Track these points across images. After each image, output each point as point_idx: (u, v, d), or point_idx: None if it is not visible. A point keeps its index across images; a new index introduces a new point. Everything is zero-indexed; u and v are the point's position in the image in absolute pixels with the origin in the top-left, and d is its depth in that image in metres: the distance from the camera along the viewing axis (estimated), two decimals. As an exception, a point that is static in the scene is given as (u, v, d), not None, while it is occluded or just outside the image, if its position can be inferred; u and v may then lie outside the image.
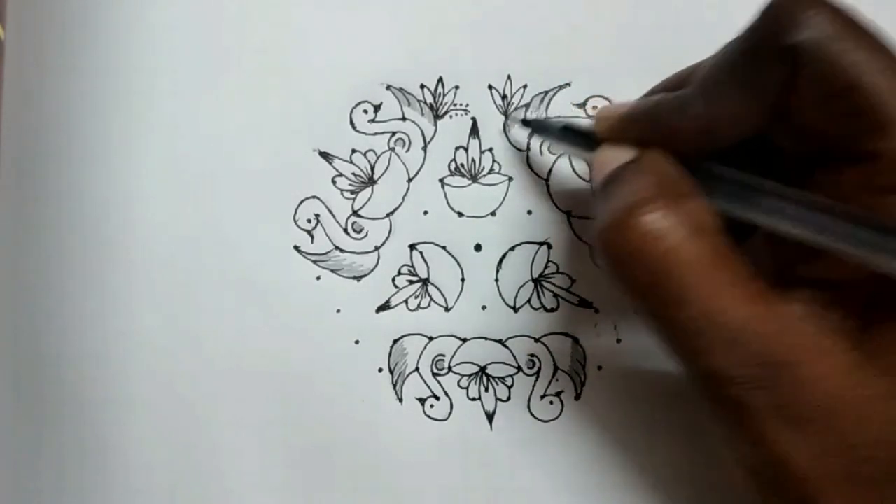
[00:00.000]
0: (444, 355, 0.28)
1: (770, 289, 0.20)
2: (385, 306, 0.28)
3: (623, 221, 0.20)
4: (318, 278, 0.28)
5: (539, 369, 0.28)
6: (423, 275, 0.28)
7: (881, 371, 0.19)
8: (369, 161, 0.28)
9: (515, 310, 0.28)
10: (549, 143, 0.28)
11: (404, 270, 0.28)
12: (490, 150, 0.28)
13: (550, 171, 0.28)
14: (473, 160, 0.28)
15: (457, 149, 0.28)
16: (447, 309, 0.28)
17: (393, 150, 0.28)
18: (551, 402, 0.28)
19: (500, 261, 0.28)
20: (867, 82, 0.18)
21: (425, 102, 0.28)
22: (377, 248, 0.28)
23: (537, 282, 0.28)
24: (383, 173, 0.28)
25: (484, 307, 0.28)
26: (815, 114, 0.19)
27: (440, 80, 0.28)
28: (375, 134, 0.28)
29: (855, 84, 0.18)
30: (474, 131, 0.28)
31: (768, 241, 0.21)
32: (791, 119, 0.20)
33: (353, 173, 0.28)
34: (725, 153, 0.21)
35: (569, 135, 0.25)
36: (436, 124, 0.28)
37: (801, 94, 0.19)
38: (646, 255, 0.19)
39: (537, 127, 0.27)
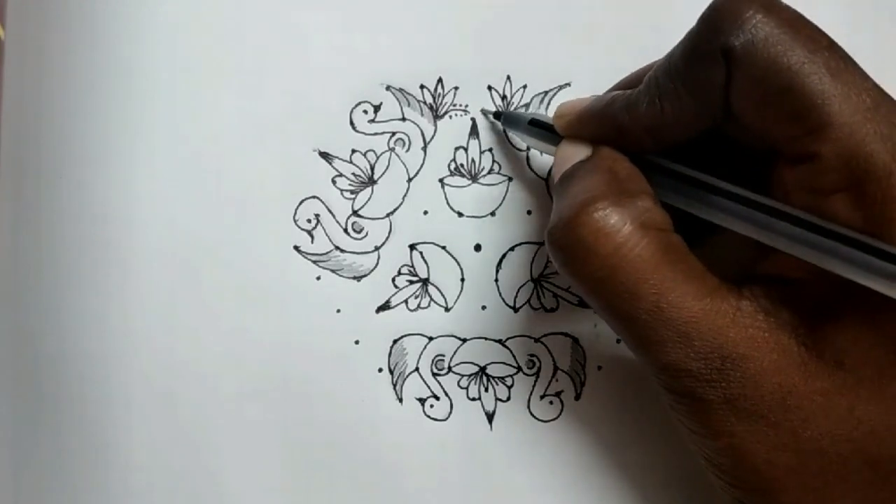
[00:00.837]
0: (443, 355, 0.28)
1: (722, 284, 0.20)
2: (385, 306, 0.28)
3: (574, 219, 0.20)
4: (318, 278, 0.28)
5: (539, 369, 0.28)
6: (423, 275, 0.28)
7: (831, 367, 0.19)
8: (369, 161, 0.28)
9: (515, 310, 0.28)
10: (519, 136, 0.28)
11: (404, 270, 0.28)
12: (490, 150, 0.28)
13: (550, 171, 0.28)
14: (473, 160, 0.28)
15: (456, 149, 0.28)
16: (447, 309, 0.28)
17: (393, 150, 0.28)
18: (551, 402, 0.28)
19: (500, 261, 0.28)
20: (803, 85, 0.18)
21: (425, 103, 0.28)
22: (377, 248, 0.28)
23: (537, 282, 0.28)
24: (383, 173, 0.28)
25: (484, 307, 0.28)
26: (754, 116, 0.19)
27: (440, 80, 0.28)
28: (375, 134, 0.28)
29: (790, 87, 0.18)
30: (474, 131, 0.28)
31: (733, 236, 0.22)
32: (734, 120, 0.20)
33: (353, 173, 0.28)
34: (685, 149, 0.22)
35: (536, 128, 0.25)
36: (435, 124, 0.28)
37: (740, 96, 0.19)
38: (597, 251, 0.20)
39: (508, 119, 0.27)
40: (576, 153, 0.23)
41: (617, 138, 0.22)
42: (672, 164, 0.22)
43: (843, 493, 0.19)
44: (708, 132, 0.21)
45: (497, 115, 0.27)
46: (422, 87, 0.28)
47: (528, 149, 0.28)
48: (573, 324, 0.28)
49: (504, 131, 0.28)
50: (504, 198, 0.28)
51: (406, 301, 0.28)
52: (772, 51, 0.19)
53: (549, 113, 0.28)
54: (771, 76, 0.19)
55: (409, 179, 0.28)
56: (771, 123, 0.19)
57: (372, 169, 0.28)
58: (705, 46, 0.19)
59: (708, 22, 0.20)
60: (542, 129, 0.25)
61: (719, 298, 0.20)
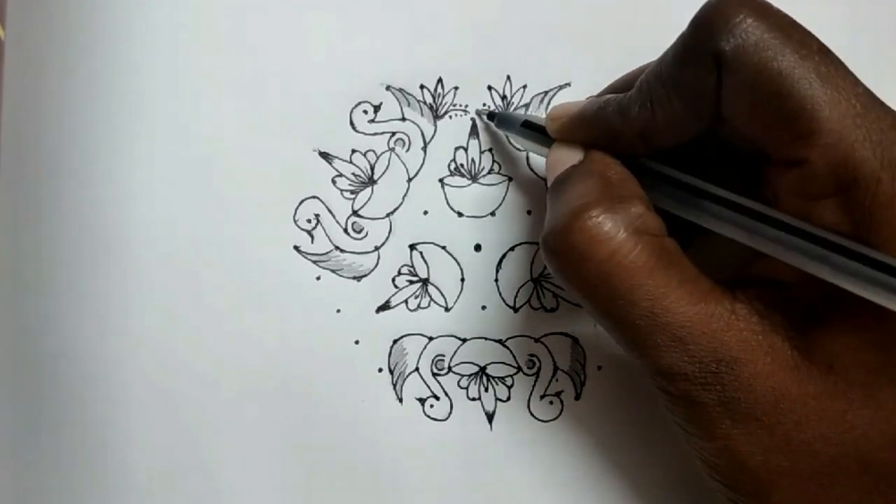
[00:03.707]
0: (443, 355, 0.28)
1: (715, 287, 0.20)
2: (385, 306, 0.28)
3: (568, 225, 0.20)
4: (318, 278, 0.28)
5: (539, 369, 0.28)
6: (423, 275, 0.28)
7: (823, 370, 0.19)
8: (369, 161, 0.28)
9: (515, 310, 0.28)
10: (512, 138, 0.27)
11: (404, 270, 0.28)
12: (490, 150, 0.28)
13: (550, 171, 0.28)
14: (473, 160, 0.28)
15: (456, 149, 0.28)
16: (447, 309, 0.28)
17: (393, 150, 0.28)
18: (551, 402, 0.28)
19: (500, 261, 0.28)
20: (792, 90, 0.18)
21: (425, 103, 0.28)
22: (377, 248, 0.28)
23: (537, 282, 0.28)
24: (383, 173, 0.28)
25: (484, 307, 0.28)
26: (744, 120, 0.19)
27: (440, 80, 0.28)
28: (375, 134, 0.28)
29: (780, 92, 0.18)
30: (474, 131, 0.28)
31: (707, 239, 0.22)
32: (725, 125, 0.20)
33: (353, 173, 0.28)
34: (676, 152, 0.22)
35: (529, 130, 0.25)
36: (435, 124, 0.28)
37: (730, 100, 0.19)
38: (591, 257, 0.20)
39: (501, 120, 0.27)
40: (568, 157, 0.23)
41: (609, 142, 0.22)
42: (663, 168, 0.22)
43: (835, 495, 0.19)
44: (699, 136, 0.21)
45: (491, 115, 0.27)
46: (422, 87, 0.28)
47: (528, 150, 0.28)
48: (573, 324, 0.28)
49: (477, 115, 0.28)
50: (504, 198, 0.28)
51: (406, 301, 0.28)
52: (762, 55, 0.18)
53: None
54: (761, 81, 0.19)
55: (409, 179, 0.28)
56: (760, 128, 0.19)
57: (372, 169, 0.28)
58: (696, 50, 0.19)
59: (698, 26, 0.20)
60: (535, 132, 0.25)
61: (713, 302, 0.20)
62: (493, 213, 0.28)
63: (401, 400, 0.28)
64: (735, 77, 0.19)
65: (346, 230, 0.28)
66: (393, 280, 0.28)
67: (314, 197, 0.28)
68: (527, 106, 0.28)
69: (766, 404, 0.19)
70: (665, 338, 0.20)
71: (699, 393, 0.20)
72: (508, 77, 0.28)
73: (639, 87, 0.21)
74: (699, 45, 0.19)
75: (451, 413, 0.28)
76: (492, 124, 0.27)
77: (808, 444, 0.19)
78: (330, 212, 0.28)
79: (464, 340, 0.28)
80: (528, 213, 0.28)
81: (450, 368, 0.28)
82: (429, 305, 0.28)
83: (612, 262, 0.20)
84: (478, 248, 0.28)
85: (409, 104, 0.28)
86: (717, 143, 0.22)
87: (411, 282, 0.28)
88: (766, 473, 0.19)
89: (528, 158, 0.28)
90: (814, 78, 0.18)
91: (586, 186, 0.21)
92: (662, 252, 0.20)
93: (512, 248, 0.28)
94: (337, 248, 0.28)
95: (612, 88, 0.25)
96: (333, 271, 0.28)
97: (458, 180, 0.28)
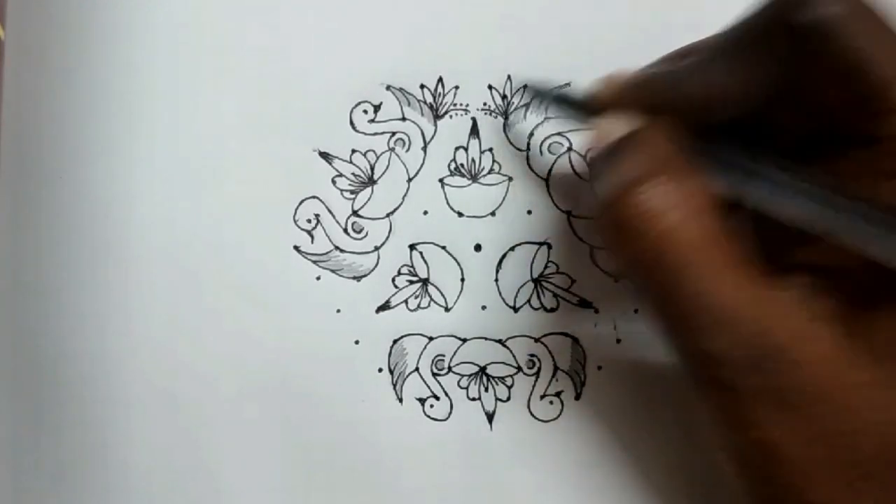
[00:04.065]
0: (444, 355, 0.28)
1: (766, 273, 0.20)
2: (385, 306, 0.28)
3: (622, 198, 0.20)
4: (318, 278, 0.28)
5: (539, 369, 0.28)
6: (423, 275, 0.28)
7: (870, 359, 0.19)
8: (369, 161, 0.28)
9: (515, 310, 0.28)
10: (546, 107, 0.27)
11: (404, 270, 0.28)
12: (490, 150, 0.28)
13: (550, 171, 0.28)
14: (473, 160, 0.28)
15: (457, 149, 0.28)
16: (447, 309, 0.28)
17: (393, 150, 0.28)
18: (551, 402, 0.28)
19: (500, 261, 0.28)
20: (874, 66, 0.18)
21: (425, 102, 0.28)
22: (377, 249, 0.28)
23: (537, 282, 0.28)
24: (383, 173, 0.28)
25: (484, 307, 0.28)
26: (819, 94, 0.19)
27: (440, 80, 0.28)
28: (375, 134, 0.28)
29: (861, 67, 0.18)
30: (474, 131, 0.28)
31: (758, 221, 0.21)
32: (795, 98, 0.20)
33: (353, 173, 0.28)
34: (728, 129, 0.21)
35: (565, 102, 0.25)
36: (435, 124, 0.28)
37: (807, 73, 0.19)
38: (644, 233, 0.19)
39: (536, 92, 0.27)
40: (619, 127, 0.22)
41: (665, 111, 0.21)
42: (718, 144, 0.21)
43: (873, 489, 0.19)
44: (754, 112, 0.20)
45: (537, 92, 0.27)
46: (422, 86, 0.28)
47: (529, 149, 0.28)
48: (573, 324, 0.28)
49: (505, 132, 0.28)
50: (504, 198, 0.28)
51: (406, 301, 0.28)
52: (847, 30, 0.18)
53: (548, 113, 0.28)
54: (839, 56, 0.18)
55: (409, 179, 0.28)
56: (835, 103, 0.19)
57: (372, 169, 0.28)
58: (771, 19, 0.19)
59: None
60: (575, 105, 0.24)
61: (763, 287, 0.19)
62: (493, 213, 0.28)
63: (401, 400, 0.28)
64: (816, 50, 0.18)
65: (346, 230, 0.28)
66: (393, 280, 0.28)
67: (314, 197, 0.28)
68: (527, 106, 0.28)
69: (810, 393, 0.18)
70: (710, 320, 0.19)
71: (740, 380, 0.19)
72: (509, 77, 0.28)
73: (706, 56, 0.21)
74: (774, 15, 0.19)
75: (451, 413, 0.28)
76: (513, 119, 0.27)
77: (850, 435, 0.18)
78: (330, 212, 0.28)
79: (464, 340, 0.28)
80: (529, 213, 0.28)
81: (450, 368, 0.28)
82: (429, 305, 0.28)
83: (665, 238, 0.19)
84: (478, 248, 0.28)
85: (409, 104, 0.28)
86: (764, 125, 0.21)
87: (411, 282, 0.28)
88: (805, 464, 0.19)
89: (528, 158, 0.28)
90: (894, 57, 0.18)
91: (640, 158, 0.20)
92: (715, 232, 0.19)
93: (512, 248, 0.28)
94: (337, 248, 0.28)
95: (664, 60, 0.24)
96: (333, 271, 0.28)
97: (458, 180, 0.28)
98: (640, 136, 0.22)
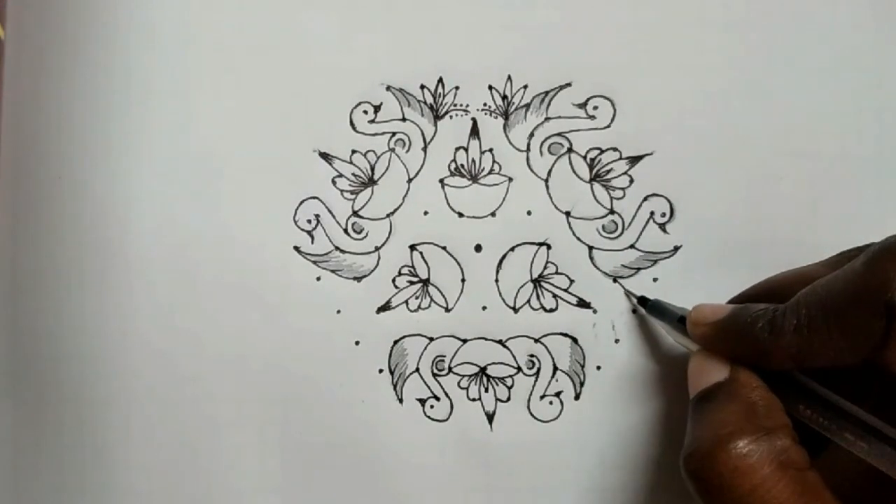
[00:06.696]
0: (444, 356, 0.28)
1: None
2: (385, 307, 0.28)
3: (712, 452, 0.20)
4: (319, 279, 0.28)
5: (539, 369, 0.28)
6: (424, 275, 0.28)
7: None
8: (369, 161, 0.28)
9: (515, 310, 0.28)
10: (661, 327, 0.27)
11: (404, 271, 0.28)
12: (490, 150, 0.28)
13: (550, 171, 0.28)
14: (473, 160, 0.28)
15: (457, 149, 0.28)
16: (447, 309, 0.28)
17: (393, 150, 0.28)
18: (551, 403, 0.28)
19: (500, 261, 0.28)
20: None
21: (425, 103, 0.28)
22: (377, 249, 0.28)
23: (537, 282, 0.28)
24: (383, 174, 0.28)
25: (484, 307, 0.28)
26: None
27: (440, 80, 0.28)
28: (375, 134, 0.28)
29: None
30: (474, 132, 0.28)
31: (848, 465, 0.21)
32: (883, 367, 0.20)
33: (353, 174, 0.28)
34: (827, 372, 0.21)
35: (678, 324, 0.25)
36: (436, 125, 0.28)
37: (894, 348, 0.19)
38: (735, 489, 0.20)
39: (654, 308, 0.27)
40: (712, 370, 0.23)
41: (756, 359, 0.22)
42: (809, 383, 0.21)
43: None
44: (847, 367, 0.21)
45: (643, 301, 0.27)
46: (422, 87, 0.28)
47: (529, 149, 0.28)
48: (573, 324, 0.28)
49: (628, 297, 0.28)
50: (504, 198, 0.28)
51: (406, 301, 0.28)
52: None
53: (549, 113, 0.28)
54: None
55: (409, 180, 0.28)
56: None
57: (372, 169, 0.28)
58: (869, 296, 0.19)
59: (873, 270, 0.19)
60: (680, 324, 0.25)
61: None
62: (493, 214, 0.28)
63: (401, 400, 0.28)
64: None
65: (346, 230, 0.28)
66: (393, 280, 0.28)
67: (314, 197, 0.28)
68: (527, 106, 0.28)
69: None
70: None
71: None
72: (509, 77, 0.28)
73: (795, 310, 0.21)
74: (871, 290, 0.19)
75: (451, 413, 0.28)
76: (641, 308, 0.27)
77: None
78: (330, 212, 0.28)
79: (464, 341, 0.28)
80: (528, 213, 0.28)
81: (450, 369, 0.28)
82: (429, 306, 0.28)
83: (755, 495, 0.19)
84: (478, 248, 0.28)
85: (409, 104, 0.28)
86: (868, 372, 0.21)
87: (411, 282, 0.28)
88: None
89: (528, 159, 0.28)
90: None
91: (732, 411, 0.21)
92: (805, 487, 0.20)
93: (512, 249, 0.28)
94: (337, 248, 0.28)
95: (752, 295, 0.25)
96: (334, 272, 0.28)
97: (458, 180, 0.28)
98: (731, 384, 0.22)
